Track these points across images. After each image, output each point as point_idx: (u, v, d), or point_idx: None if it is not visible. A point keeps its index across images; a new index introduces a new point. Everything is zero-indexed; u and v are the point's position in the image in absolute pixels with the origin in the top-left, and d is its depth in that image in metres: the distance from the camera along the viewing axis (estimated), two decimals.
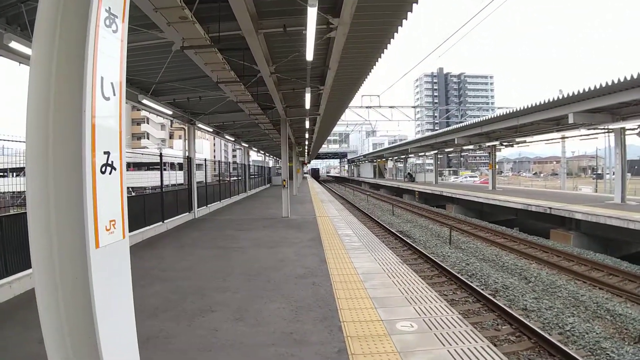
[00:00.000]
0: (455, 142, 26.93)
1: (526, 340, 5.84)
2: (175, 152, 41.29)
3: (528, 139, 23.03)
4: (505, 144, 25.25)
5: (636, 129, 15.32)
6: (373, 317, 4.43)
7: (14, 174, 6.83)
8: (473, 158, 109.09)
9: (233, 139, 23.42)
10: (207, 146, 66.35)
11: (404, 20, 7.50)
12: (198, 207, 14.47)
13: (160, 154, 12.68)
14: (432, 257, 10.56)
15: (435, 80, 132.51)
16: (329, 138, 54.80)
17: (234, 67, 8.70)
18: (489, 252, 11.96)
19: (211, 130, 18.11)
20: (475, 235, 14.83)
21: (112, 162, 2.04)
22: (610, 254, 11.71)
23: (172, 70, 9.46)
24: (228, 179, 21.50)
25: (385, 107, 35.20)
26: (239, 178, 25.18)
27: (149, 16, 5.52)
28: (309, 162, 72.53)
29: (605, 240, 12.83)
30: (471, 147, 29.28)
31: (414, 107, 42.45)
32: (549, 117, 16.68)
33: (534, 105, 16.17)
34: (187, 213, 13.56)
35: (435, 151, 36.20)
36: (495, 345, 4.85)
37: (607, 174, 29.80)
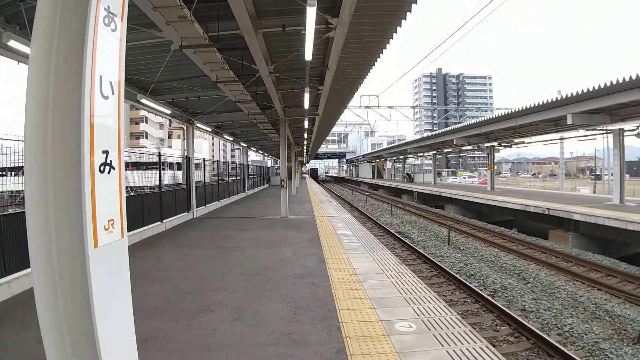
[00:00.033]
0: (454, 143, 26.94)
1: (525, 340, 5.84)
2: (174, 151, 41.25)
3: (526, 139, 23.06)
4: (503, 144, 25.29)
5: (635, 130, 15.33)
6: (372, 318, 4.42)
7: (13, 173, 6.81)
8: (472, 159, 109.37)
9: (232, 139, 23.40)
10: (205, 146, 66.30)
11: (402, 21, 7.50)
12: (197, 207, 14.45)
13: (159, 153, 12.65)
14: (431, 258, 10.56)
15: (434, 81, 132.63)
16: (327, 138, 54.83)
17: (233, 66, 8.70)
18: (487, 252, 11.98)
19: (210, 129, 18.10)
20: (474, 236, 14.84)
21: (110, 161, 2.04)
22: (608, 255, 11.72)
23: (170, 70, 9.44)
24: (227, 178, 21.47)
25: (384, 108, 35.26)
26: (238, 178, 25.17)
27: (147, 15, 5.50)
28: (307, 162, 72.56)
29: (604, 241, 12.85)
30: (470, 147, 29.32)
31: (412, 107, 42.43)
32: (548, 118, 16.69)
33: (532, 106, 16.17)
34: (186, 213, 13.54)
35: (434, 152, 36.23)
36: (494, 346, 4.86)
37: (606, 175, 29.86)
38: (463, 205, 23.12)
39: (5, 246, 5.39)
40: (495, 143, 24.70)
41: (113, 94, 2.06)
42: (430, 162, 42.76)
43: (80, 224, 1.88)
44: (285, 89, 11.81)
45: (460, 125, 25.82)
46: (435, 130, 48.63)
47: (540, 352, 5.48)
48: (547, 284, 8.69)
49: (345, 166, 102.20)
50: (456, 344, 3.72)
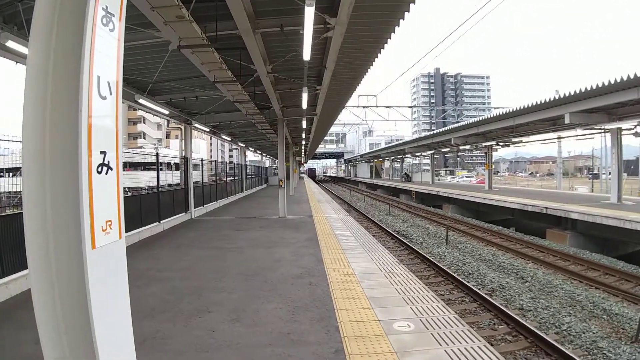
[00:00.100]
0: (452, 142, 26.98)
1: (523, 339, 5.85)
2: (172, 152, 41.19)
3: (524, 139, 23.11)
4: (501, 144, 25.33)
5: (632, 129, 15.37)
6: (370, 317, 4.43)
7: (10, 174, 6.80)
8: (469, 158, 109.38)
9: (230, 139, 23.38)
10: (203, 146, 66.28)
11: (401, 20, 7.52)
12: (195, 207, 14.43)
13: (157, 153, 12.63)
14: (429, 257, 10.57)
15: (432, 81, 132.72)
16: (325, 138, 54.78)
17: (231, 66, 8.69)
18: (485, 251, 11.99)
19: (208, 130, 18.08)
20: (472, 235, 14.86)
21: (108, 161, 2.03)
22: (606, 253, 11.75)
23: (168, 70, 9.43)
24: (225, 179, 21.45)
25: (382, 107, 35.25)
26: (236, 178, 25.14)
27: (145, 15, 5.50)
28: (305, 162, 72.56)
29: (602, 240, 12.87)
30: (468, 147, 29.36)
31: (410, 107, 42.47)
32: (545, 118, 16.72)
33: (530, 105, 16.19)
34: (184, 213, 13.53)
35: (432, 151, 36.24)
36: (492, 345, 4.86)
37: (603, 174, 29.95)
38: (461, 204, 23.13)
39: (3, 247, 5.38)
40: (493, 142, 24.74)
41: (111, 94, 2.06)
42: (428, 161, 42.79)
43: (78, 225, 1.87)
44: (283, 89, 11.81)
45: (458, 124, 25.86)
46: (433, 129, 48.75)
47: (538, 351, 5.49)
48: (545, 282, 8.71)
49: (343, 166, 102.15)
50: (454, 343, 3.72)
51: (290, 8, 6.34)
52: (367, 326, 4.18)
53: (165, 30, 6.13)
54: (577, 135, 20.68)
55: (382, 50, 9.25)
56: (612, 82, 11.50)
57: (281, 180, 14.11)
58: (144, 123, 62.11)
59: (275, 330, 4.15)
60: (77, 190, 1.87)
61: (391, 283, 5.76)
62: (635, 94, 11.69)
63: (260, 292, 5.50)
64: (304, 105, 12.33)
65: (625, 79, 11.05)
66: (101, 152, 1.98)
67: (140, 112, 49.57)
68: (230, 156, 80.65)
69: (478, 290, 7.82)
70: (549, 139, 24.22)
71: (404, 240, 13.09)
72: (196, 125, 15.27)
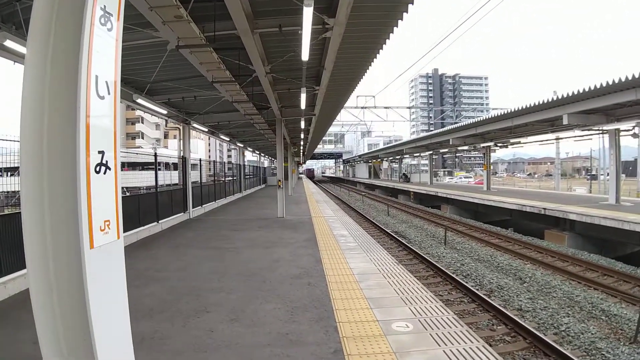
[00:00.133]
0: (450, 143, 27.00)
1: (521, 340, 5.85)
2: (170, 152, 41.14)
3: (522, 140, 23.16)
4: (499, 144, 25.39)
5: (631, 130, 15.40)
6: (369, 318, 4.43)
7: (9, 173, 6.77)
8: (468, 159, 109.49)
9: (228, 139, 23.37)
10: (202, 146, 66.28)
11: (399, 21, 7.52)
12: (193, 207, 14.41)
13: (155, 153, 12.61)
14: (427, 258, 10.57)
15: (430, 81, 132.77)
16: (324, 138, 54.78)
17: (229, 66, 8.69)
18: (483, 252, 12.00)
19: (206, 130, 18.07)
20: (470, 236, 14.87)
21: (106, 161, 2.03)
22: (604, 254, 11.76)
23: (167, 70, 9.42)
24: (223, 179, 21.44)
25: (380, 108, 35.24)
26: (234, 178, 25.12)
27: (144, 15, 5.49)
28: (304, 163, 72.54)
29: (600, 241, 12.89)
30: (466, 147, 29.40)
31: (409, 107, 42.55)
32: (543, 118, 16.74)
33: (528, 106, 16.22)
34: (182, 213, 13.51)
35: (430, 152, 36.30)
36: (490, 346, 4.86)
37: (602, 175, 29.99)
38: (459, 205, 23.15)
39: (1, 247, 5.36)
40: (492, 143, 24.78)
41: (109, 94, 2.06)
42: (427, 162, 42.88)
43: (76, 225, 1.87)
44: (282, 89, 11.81)
45: (456, 125, 25.90)
46: (432, 130, 48.81)
47: (537, 352, 5.49)
48: (544, 283, 8.72)
49: (341, 166, 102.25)
50: (453, 344, 3.72)
51: (289, 8, 6.33)
52: (366, 326, 4.18)
53: (164, 30, 6.12)
54: (575, 136, 20.75)
55: (380, 50, 9.25)
56: (611, 83, 11.52)
57: (280, 180, 14.09)
58: (142, 123, 62.07)
59: (274, 330, 4.15)
60: (75, 190, 1.86)
61: (390, 283, 5.76)
62: (634, 95, 11.71)
63: (259, 292, 5.49)
64: (303, 106, 12.33)
65: (623, 80, 11.07)
66: (99, 152, 1.98)
67: (138, 112, 49.61)
68: (229, 156, 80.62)
69: (476, 291, 7.83)
70: (547, 140, 24.28)
71: (403, 241, 13.09)
72: (194, 125, 15.26)
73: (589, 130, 17.12)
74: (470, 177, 65.38)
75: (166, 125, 15.36)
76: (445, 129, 27.65)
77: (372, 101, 34.48)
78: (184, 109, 13.86)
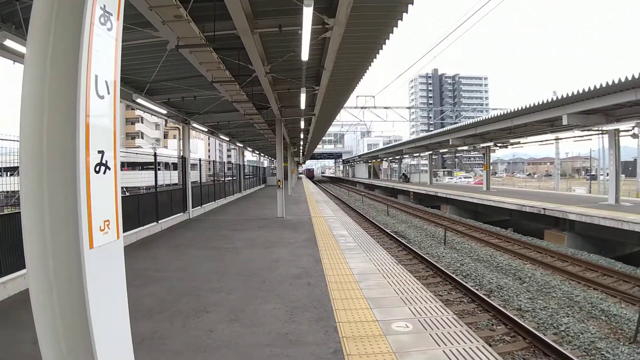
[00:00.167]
0: (450, 143, 27.01)
1: (521, 340, 5.85)
2: (170, 151, 41.13)
3: (522, 140, 23.16)
4: (499, 145, 25.39)
5: (630, 130, 15.40)
6: (368, 318, 4.42)
7: (8, 173, 6.77)
8: (467, 159, 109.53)
9: (228, 139, 23.37)
10: (201, 146, 66.26)
11: (399, 21, 7.52)
12: (192, 207, 14.41)
13: (155, 153, 12.60)
14: (427, 258, 10.57)
15: (430, 81, 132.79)
16: (323, 138, 54.78)
17: (229, 66, 8.68)
18: (483, 252, 12.01)
19: (206, 129, 18.06)
20: (470, 236, 14.87)
21: (106, 161, 2.03)
22: (604, 254, 11.77)
23: (166, 70, 9.41)
24: (223, 179, 21.43)
25: (380, 108, 35.22)
26: (234, 178, 25.12)
27: (143, 14, 5.49)
28: (303, 163, 72.56)
29: (599, 241, 12.89)
30: (465, 148, 29.40)
31: (408, 107, 42.55)
32: (543, 119, 16.74)
33: (528, 106, 16.22)
34: (182, 213, 13.51)
35: (430, 152, 36.31)
36: (490, 346, 4.86)
37: (601, 175, 29.99)
38: (459, 205, 23.16)
39: (1, 247, 5.36)
40: (491, 143, 24.79)
41: (109, 93, 2.05)
42: (426, 162, 42.88)
43: (76, 225, 1.87)
44: (282, 89, 11.80)
45: (456, 125, 25.91)
46: (431, 130, 48.83)
47: (536, 352, 5.49)
48: (543, 283, 8.72)
49: (341, 166, 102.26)
50: (452, 344, 3.72)
51: (289, 8, 6.33)
52: (366, 326, 4.18)
53: (163, 30, 6.12)
54: (574, 137, 20.76)
55: (380, 51, 9.25)
56: (610, 83, 11.53)
57: (279, 180, 14.09)
58: (142, 123, 62.06)
59: (274, 330, 4.15)
60: (75, 189, 1.86)
61: (389, 283, 5.76)
62: (634, 95, 11.72)
63: (259, 292, 5.49)
64: (302, 106, 12.33)
65: (623, 80, 11.07)
66: (99, 152, 1.98)
67: (138, 112, 49.56)
68: (229, 156, 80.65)
69: (476, 291, 7.83)
70: (546, 140, 24.29)
71: (402, 241, 13.09)
72: (194, 125, 15.26)
73: (588, 130, 17.12)
74: (470, 177, 65.42)
75: (166, 125, 15.36)
76: (445, 129, 27.65)
77: (372, 101, 34.48)
78: (184, 108, 13.86)
